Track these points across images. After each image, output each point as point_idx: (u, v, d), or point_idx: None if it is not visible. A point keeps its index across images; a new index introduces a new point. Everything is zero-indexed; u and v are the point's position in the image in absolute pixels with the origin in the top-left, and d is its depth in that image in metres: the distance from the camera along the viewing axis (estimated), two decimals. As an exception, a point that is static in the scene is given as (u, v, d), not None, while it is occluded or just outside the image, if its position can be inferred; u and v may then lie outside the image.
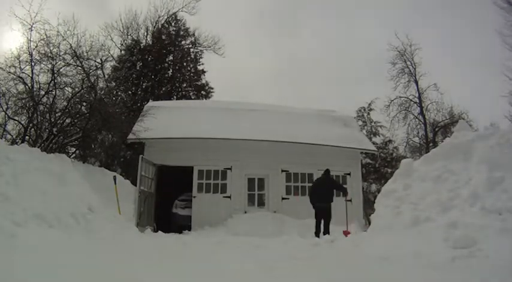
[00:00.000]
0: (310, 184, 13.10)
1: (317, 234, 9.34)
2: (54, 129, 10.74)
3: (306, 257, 5.66)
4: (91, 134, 11.75)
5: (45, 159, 8.64)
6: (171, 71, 22.58)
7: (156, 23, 22.19)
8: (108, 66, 16.12)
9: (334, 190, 10.02)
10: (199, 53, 23.12)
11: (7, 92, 10.17)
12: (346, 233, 9.19)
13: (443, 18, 43.97)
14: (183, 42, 23.09)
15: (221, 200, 12.64)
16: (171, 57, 22.76)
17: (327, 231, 9.32)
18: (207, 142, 12.68)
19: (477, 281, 4.05)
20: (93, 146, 13.00)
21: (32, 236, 5.64)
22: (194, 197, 12.56)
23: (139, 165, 11.20)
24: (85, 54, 11.05)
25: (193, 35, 22.89)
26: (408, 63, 22.27)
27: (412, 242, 6.00)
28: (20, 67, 10.21)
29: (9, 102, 10.35)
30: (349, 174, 13.57)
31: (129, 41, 21.19)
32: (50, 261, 4.03)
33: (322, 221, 9.47)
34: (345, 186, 10.78)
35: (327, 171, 10.28)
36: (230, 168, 12.91)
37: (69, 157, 11.21)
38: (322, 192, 9.62)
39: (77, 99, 11.06)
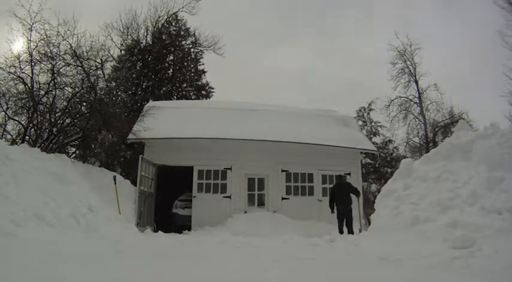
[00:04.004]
0: (311, 184, 13.21)
1: (341, 232, 9.83)
2: (54, 129, 10.73)
3: (305, 257, 5.66)
4: (91, 134, 11.74)
5: (45, 159, 8.65)
6: (171, 71, 22.55)
7: (156, 23, 22.15)
8: (108, 66, 16.08)
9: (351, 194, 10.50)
10: (200, 53, 23.11)
11: (7, 92, 10.15)
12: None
13: (443, 18, 43.98)
14: (183, 42, 23.05)
15: (221, 200, 12.63)
16: (171, 57, 22.72)
17: (351, 231, 9.80)
18: (207, 142, 12.67)
19: (477, 281, 4.05)
20: (93, 146, 12.99)
21: (32, 236, 5.65)
22: (194, 197, 12.56)
23: (139, 165, 11.20)
24: (85, 54, 11.02)
25: (194, 35, 22.88)
26: (408, 63, 22.30)
27: (412, 242, 6.01)
28: (20, 67, 10.19)
29: (9, 102, 10.34)
30: (349, 174, 13.55)
31: (129, 41, 21.16)
32: (50, 261, 4.03)
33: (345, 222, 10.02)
34: (358, 189, 11.08)
35: (341, 177, 10.98)
36: (230, 168, 12.91)
37: (69, 157, 11.21)
38: (342, 197, 10.17)
39: (77, 99, 11.04)
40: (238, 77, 43.57)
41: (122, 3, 34.22)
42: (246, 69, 46.64)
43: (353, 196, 10.39)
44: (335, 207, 10.17)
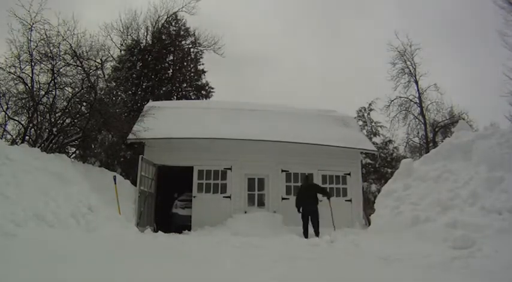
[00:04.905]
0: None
1: (305, 234, 10.15)
2: (54, 129, 10.73)
3: (306, 257, 5.66)
4: (91, 134, 11.73)
5: (45, 159, 8.65)
6: (171, 71, 22.55)
7: (156, 23, 22.16)
8: (108, 66, 16.09)
9: (318, 195, 10.87)
10: (200, 53, 23.11)
11: (7, 92, 10.16)
12: None
13: (443, 17, 43.97)
14: (183, 42, 23.05)
15: (221, 200, 12.62)
16: (171, 57, 22.72)
17: (317, 233, 10.04)
18: (207, 142, 12.66)
19: (477, 281, 4.05)
20: (93, 146, 12.99)
21: (32, 236, 5.65)
22: (194, 197, 12.55)
23: (139, 165, 11.19)
24: (85, 54, 11.01)
25: (194, 34, 22.87)
26: (408, 63, 22.30)
27: (412, 242, 6.02)
28: (20, 67, 10.17)
29: (9, 102, 10.34)
30: (349, 174, 13.56)
31: (129, 41, 21.17)
32: (50, 261, 4.03)
33: (310, 223, 10.34)
34: (326, 189, 11.49)
35: (307, 178, 11.50)
36: (230, 168, 12.91)
37: (69, 157, 11.20)
38: (308, 198, 10.56)
39: (77, 99, 11.04)
40: (237, 76, 43.55)
41: (121, 3, 34.33)
42: (245, 68, 46.65)
43: (321, 196, 10.82)
44: (301, 208, 10.55)
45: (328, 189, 11.43)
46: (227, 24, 44.09)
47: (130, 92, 18.87)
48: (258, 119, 14.00)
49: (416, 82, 22.04)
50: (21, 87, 10.37)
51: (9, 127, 10.89)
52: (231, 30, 44.39)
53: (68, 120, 11.07)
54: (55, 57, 10.35)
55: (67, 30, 10.49)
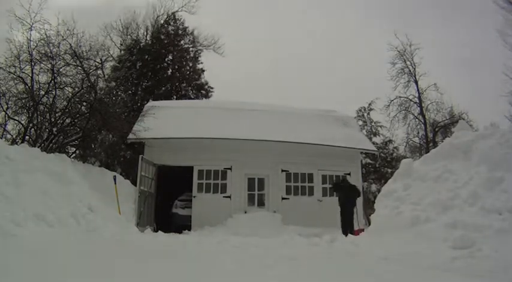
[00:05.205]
0: (311, 184, 13.22)
1: (345, 233, 10.07)
2: (54, 129, 10.73)
3: (306, 257, 5.66)
4: (91, 134, 11.74)
5: (45, 159, 8.65)
6: (170, 70, 22.55)
7: (155, 23, 22.19)
8: (108, 66, 16.11)
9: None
10: (199, 52, 23.10)
11: (7, 91, 10.17)
12: (357, 232, 9.67)
13: (443, 17, 44.00)
14: (182, 42, 23.07)
15: (221, 200, 12.64)
16: (170, 57, 22.74)
17: (351, 231, 10.07)
18: (207, 142, 12.68)
19: (477, 281, 4.05)
20: (93, 146, 12.99)
21: (31, 236, 5.65)
22: (194, 197, 12.57)
23: (139, 165, 11.21)
24: (85, 54, 11.02)
25: (193, 34, 22.90)
26: (408, 63, 22.29)
27: (412, 242, 6.01)
28: (20, 67, 10.20)
29: (9, 102, 10.35)
30: (349, 174, 13.56)
31: (129, 41, 21.18)
32: (50, 261, 4.03)
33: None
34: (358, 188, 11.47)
35: (346, 180, 11.81)
36: (230, 168, 12.92)
37: (69, 157, 11.21)
38: (349, 200, 10.59)
39: (77, 99, 11.05)
40: (237, 75, 43.52)
41: (121, 3, 34.35)
42: (244, 67, 46.65)
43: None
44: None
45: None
46: (227, 23, 44.14)
47: (130, 92, 18.87)
48: (258, 119, 14.00)
49: (416, 82, 22.05)
50: (21, 87, 10.39)
51: (9, 127, 10.92)
52: (230, 29, 44.40)
53: (68, 120, 11.07)
54: (55, 57, 10.36)
55: (67, 30, 10.51)
